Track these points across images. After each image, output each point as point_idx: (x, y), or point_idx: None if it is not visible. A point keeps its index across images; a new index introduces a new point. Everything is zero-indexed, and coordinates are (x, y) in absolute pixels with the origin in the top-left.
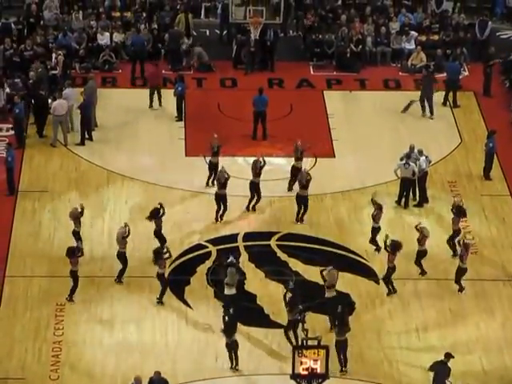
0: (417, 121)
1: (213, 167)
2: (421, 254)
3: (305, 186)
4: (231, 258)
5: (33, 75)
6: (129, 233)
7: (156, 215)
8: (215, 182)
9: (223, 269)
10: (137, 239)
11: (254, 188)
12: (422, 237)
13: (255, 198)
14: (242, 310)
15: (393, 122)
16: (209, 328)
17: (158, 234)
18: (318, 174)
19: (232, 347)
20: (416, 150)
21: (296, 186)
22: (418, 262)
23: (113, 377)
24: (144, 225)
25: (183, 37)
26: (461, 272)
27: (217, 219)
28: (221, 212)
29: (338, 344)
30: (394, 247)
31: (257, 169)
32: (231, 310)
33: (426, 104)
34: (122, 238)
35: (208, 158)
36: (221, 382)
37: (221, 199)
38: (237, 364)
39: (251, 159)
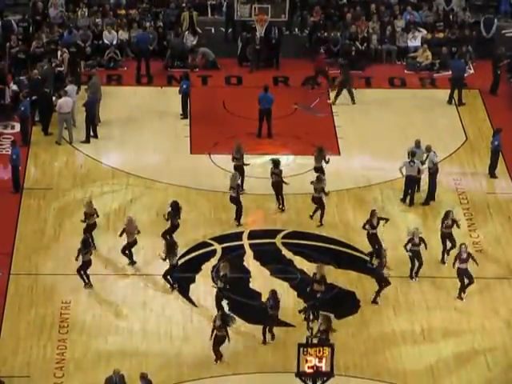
0: (422, 119)
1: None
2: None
3: (323, 190)
4: None
5: (36, 73)
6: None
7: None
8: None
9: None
10: (142, 237)
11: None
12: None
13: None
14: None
15: (398, 119)
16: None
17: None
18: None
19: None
20: (423, 147)
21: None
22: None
23: None
24: (149, 222)
25: (180, 34)
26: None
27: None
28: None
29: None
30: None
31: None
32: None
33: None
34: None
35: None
36: (225, 380)
37: (233, 202)
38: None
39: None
